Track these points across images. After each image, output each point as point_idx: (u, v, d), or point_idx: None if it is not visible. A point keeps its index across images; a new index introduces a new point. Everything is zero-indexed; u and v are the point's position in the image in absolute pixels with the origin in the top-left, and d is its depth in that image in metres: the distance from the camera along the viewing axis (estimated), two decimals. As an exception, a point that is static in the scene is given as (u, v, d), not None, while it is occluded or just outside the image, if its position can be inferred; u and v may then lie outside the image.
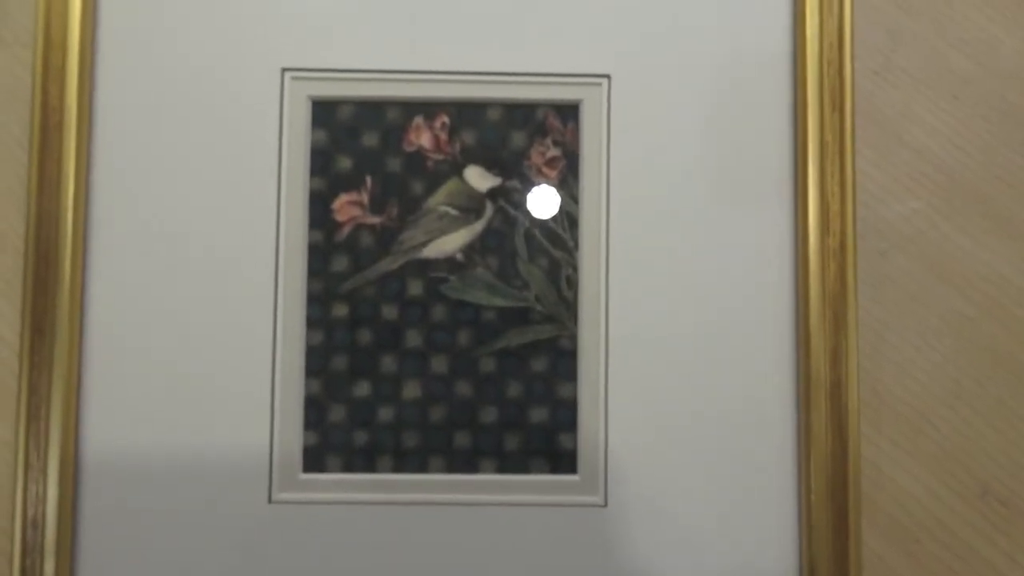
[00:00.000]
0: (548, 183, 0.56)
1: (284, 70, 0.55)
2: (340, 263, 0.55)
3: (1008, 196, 0.58)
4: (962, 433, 0.57)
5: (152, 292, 0.54)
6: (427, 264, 0.55)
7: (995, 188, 0.58)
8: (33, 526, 0.52)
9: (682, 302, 0.55)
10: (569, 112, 0.56)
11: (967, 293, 0.57)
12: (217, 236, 0.55)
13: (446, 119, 0.56)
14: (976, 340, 0.57)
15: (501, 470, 0.55)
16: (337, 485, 0.54)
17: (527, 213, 0.56)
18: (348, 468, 0.54)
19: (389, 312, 0.55)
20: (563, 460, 0.55)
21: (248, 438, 0.54)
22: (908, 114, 0.58)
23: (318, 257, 0.55)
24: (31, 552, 0.52)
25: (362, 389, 0.55)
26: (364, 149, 0.56)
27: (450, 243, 0.55)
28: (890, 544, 0.56)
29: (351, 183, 0.55)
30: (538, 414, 0.55)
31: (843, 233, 0.55)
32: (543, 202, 0.56)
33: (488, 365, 0.55)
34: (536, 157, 0.56)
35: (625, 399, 0.55)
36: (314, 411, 0.55)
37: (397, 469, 0.54)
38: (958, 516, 0.56)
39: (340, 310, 0.55)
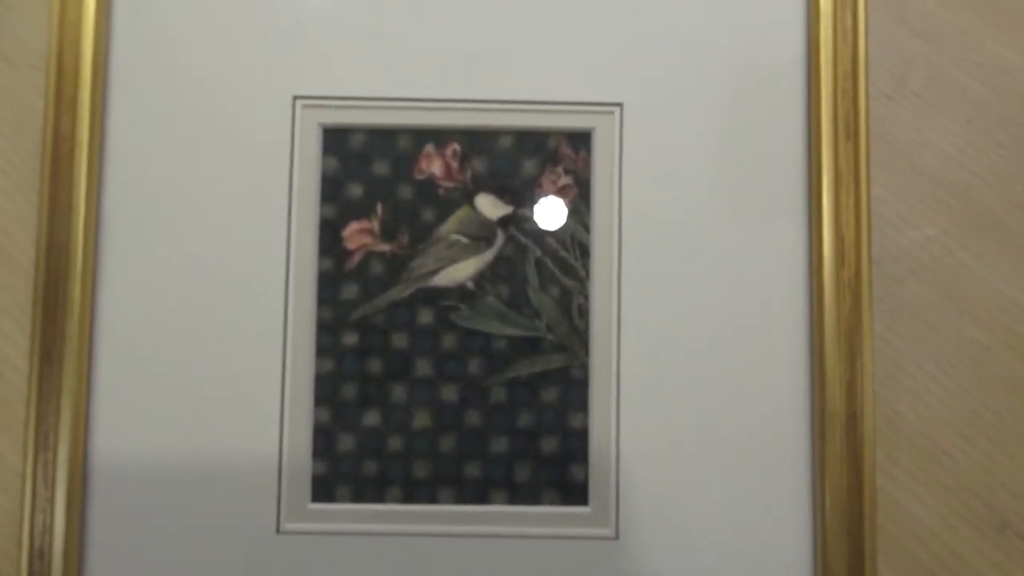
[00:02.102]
0: (560, 211, 0.56)
1: (295, 98, 0.55)
2: (350, 291, 0.55)
3: (1023, 222, 0.57)
4: (979, 464, 0.56)
5: (161, 320, 0.54)
6: (437, 292, 0.55)
7: (1011, 214, 0.58)
8: (40, 557, 0.52)
9: (695, 332, 0.55)
10: (581, 140, 0.56)
11: (983, 321, 0.57)
12: (227, 264, 0.55)
13: (457, 147, 0.56)
14: (993, 369, 0.56)
15: (512, 501, 0.54)
16: (346, 515, 0.54)
17: (538, 241, 0.55)
18: (357, 498, 0.54)
19: (399, 340, 0.55)
20: (574, 491, 0.54)
21: (256, 467, 0.53)
22: (922, 140, 0.58)
23: (328, 285, 0.55)
24: (38, 582, 0.52)
25: (372, 418, 0.54)
26: (375, 177, 0.56)
27: (461, 271, 0.55)
28: (906, 577, 0.55)
29: (362, 211, 0.55)
30: (549, 444, 0.54)
31: (858, 263, 0.54)
32: (554, 230, 0.55)
33: (499, 395, 0.55)
34: (547, 185, 0.56)
35: (637, 430, 0.54)
36: (323, 440, 0.54)
37: (407, 500, 0.54)
38: (975, 549, 0.55)
39: (350, 338, 0.55)
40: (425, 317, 0.55)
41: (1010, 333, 0.57)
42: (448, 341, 0.55)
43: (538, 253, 0.55)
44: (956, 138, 0.58)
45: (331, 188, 0.55)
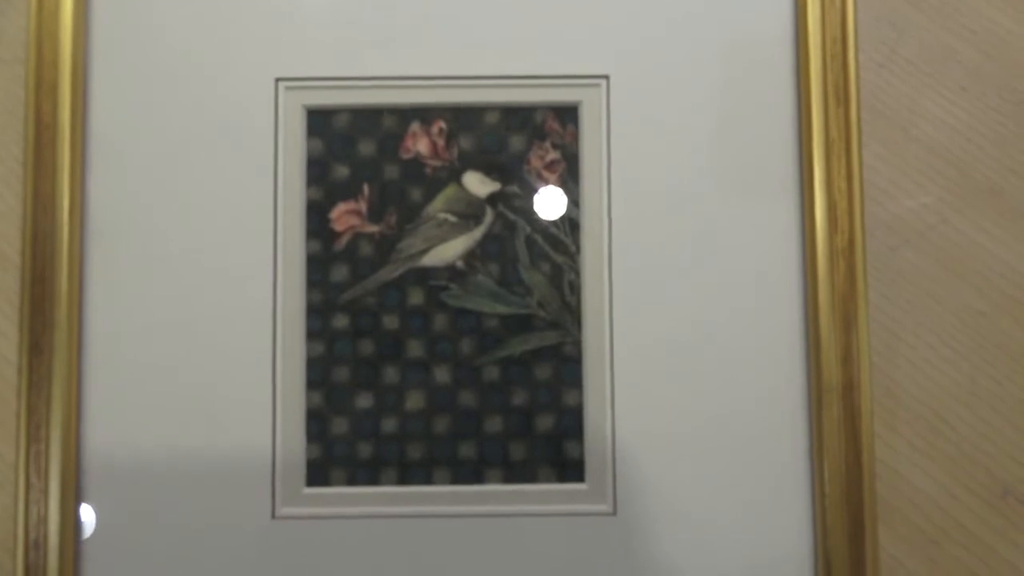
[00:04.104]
0: (548, 187, 0.55)
1: (278, 80, 0.55)
2: (339, 273, 0.54)
3: (1020, 188, 0.57)
4: (980, 432, 0.55)
5: (149, 307, 0.54)
6: (427, 272, 0.55)
7: (1007, 180, 0.57)
8: (36, 548, 0.52)
9: (688, 305, 0.54)
10: (568, 114, 0.55)
11: (981, 288, 0.56)
12: (214, 249, 0.54)
13: (443, 125, 0.55)
14: (991, 336, 0.56)
15: (508, 480, 0.54)
16: (341, 499, 0.53)
17: (528, 218, 0.55)
18: (352, 481, 0.54)
19: (390, 322, 0.54)
20: (570, 468, 0.54)
21: (250, 453, 0.53)
22: (915, 107, 0.57)
23: (317, 267, 0.54)
24: (33, 573, 0.52)
25: (364, 401, 0.54)
26: (361, 157, 0.55)
27: (450, 250, 0.55)
28: (908, 547, 0.55)
29: (349, 192, 0.55)
30: (544, 422, 0.54)
31: (851, 231, 0.54)
32: (544, 206, 0.55)
33: (492, 373, 0.54)
34: (535, 161, 0.55)
35: (632, 405, 0.54)
36: (316, 424, 0.54)
37: (402, 481, 0.54)
38: (977, 517, 0.55)
39: (340, 321, 0.54)
40: (415, 297, 0.54)
41: (1008, 299, 0.56)
42: (439, 321, 0.54)
43: (528, 230, 0.55)
44: (951, 105, 0.57)
45: (317, 170, 0.55)
